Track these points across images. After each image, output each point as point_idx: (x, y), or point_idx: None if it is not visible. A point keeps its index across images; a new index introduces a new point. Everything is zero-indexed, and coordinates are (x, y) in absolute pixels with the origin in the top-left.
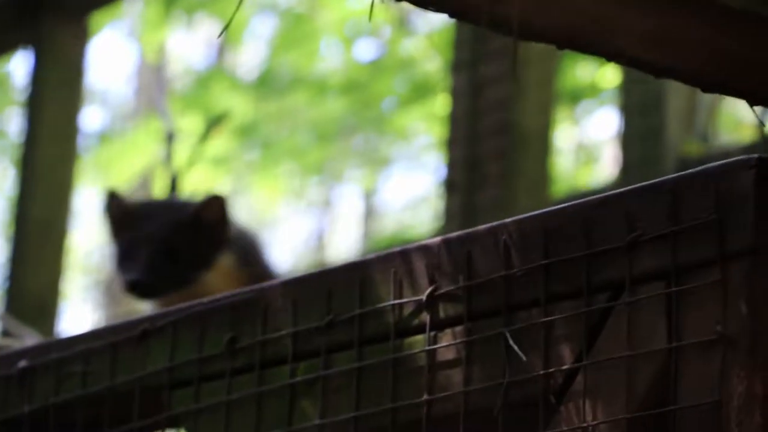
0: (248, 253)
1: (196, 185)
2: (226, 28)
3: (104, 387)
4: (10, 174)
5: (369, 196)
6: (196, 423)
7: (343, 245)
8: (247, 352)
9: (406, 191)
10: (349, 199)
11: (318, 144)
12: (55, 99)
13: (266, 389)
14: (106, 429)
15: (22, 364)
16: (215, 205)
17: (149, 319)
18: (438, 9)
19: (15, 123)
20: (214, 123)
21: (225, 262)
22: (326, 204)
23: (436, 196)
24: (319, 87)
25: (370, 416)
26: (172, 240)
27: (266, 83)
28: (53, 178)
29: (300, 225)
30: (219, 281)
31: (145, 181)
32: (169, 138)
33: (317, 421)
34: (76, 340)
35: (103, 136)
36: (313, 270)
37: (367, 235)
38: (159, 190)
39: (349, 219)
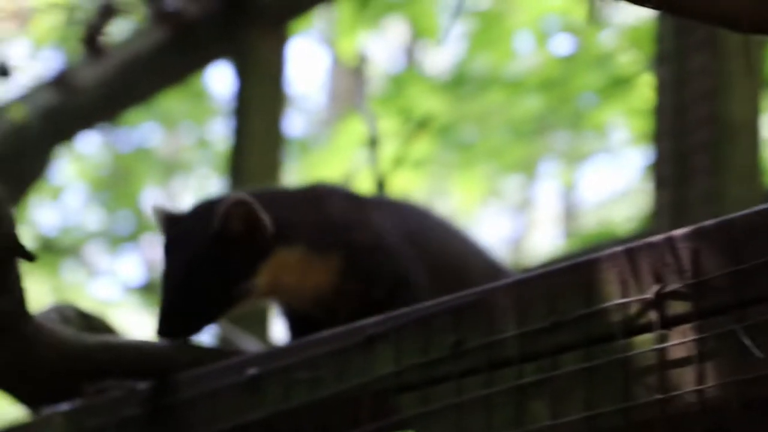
0: (326, 232)
1: (398, 187)
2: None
3: (332, 393)
4: (214, 182)
5: (568, 193)
6: (425, 426)
7: (543, 243)
8: (472, 354)
9: (606, 187)
10: (547, 197)
11: (515, 142)
12: (259, 109)
13: (494, 391)
14: None
15: (251, 371)
16: (237, 214)
17: (374, 324)
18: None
19: (213, 132)
20: (418, 126)
21: (284, 256)
22: (525, 202)
23: (638, 191)
24: (516, 85)
25: (603, 416)
26: (192, 276)
27: (461, 83)
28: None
29: (499, 224)
30: (283, 276)
31: (347, 184)
32: (373, 141)
33: (548, 422)
34: (303, 347)
35: (302, 142)
36: (536, 271)
37: (567, 232)
38: (363, 192)
39: (549, 217)
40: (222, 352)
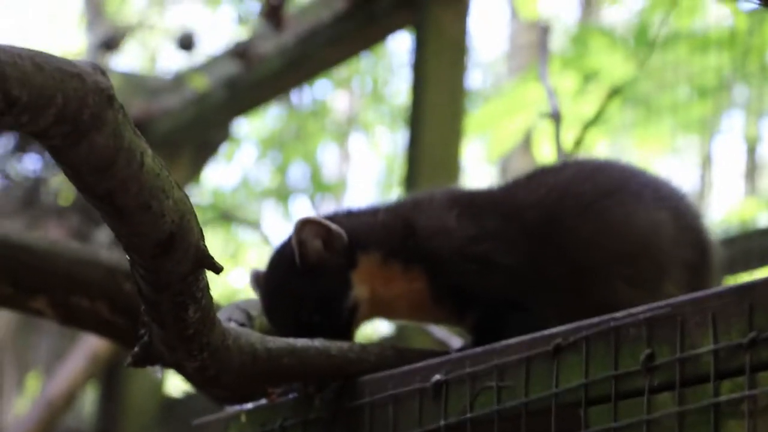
0: (405, 241)
1: (580, 144)
2: None
3: (519, 402)
4: (390, 138)
5: (752, 149)
6: None
7: (727, 201)
8: (665, 368)
9: None
10: (730, 153)
11: (698, 99)
12: (439, 79)
13: (687, 408)
14: None
15: (437, 377)
16: (308, 234)
17: (562, 333)
18: None
19: (391, 89)
20: (613, 93)
21: (367, 262)
22: (707, 160)
23: None
24: (701, 41)
25: None
26: (299, 316)
27: (643, 40)
28: (442, 134)
29: (680, 181)
30: (375, 284)
31: (526, 141)
32: (554, 117)
33: None
34: (490, 354)
35: (482, 94)
36: (732, 284)
37: (751, 189)
38: (540, 148)
39: (731, 173)
40: (406, 356)
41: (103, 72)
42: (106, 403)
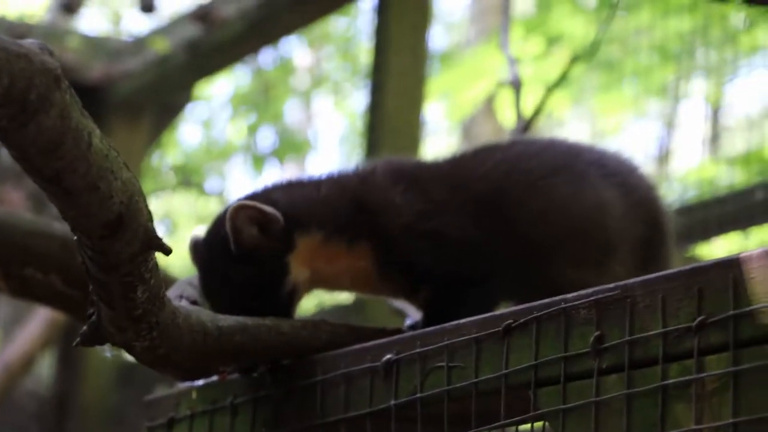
0: (349, 218)
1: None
2: None
3: (470, 383)
4: (356, 96)
5: (715, 113)
6: (563, 422)
7: (689, 163)
8: (614, 350)
9: (755, 106)
10: (694, 117)
11: (661, 63)
12: (402, 40)
13: (636, 391)
14: (473, 426)
15: (388, 356)
16: (242, 220)
17: (513, 314)
18: None
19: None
20: (576, 59)
21: (307, 243)
22: (670, 123)
23: None
24: (663, 5)
25: (750, 424)
26: (236, 299)
27: (606, 3)
28: (403, 99)
29: (643, 144)
30: (317, 263)
31: (489, 103)
32: (515, 85)
33: (693, 426)
34: (441, 334)
35: (445, 56)
36: (681, 267)
37: (714, 153)
38: (502, 113)
39: (695, 137)
40: (359, 334)
41: (51, 52)
42: (64, 367)
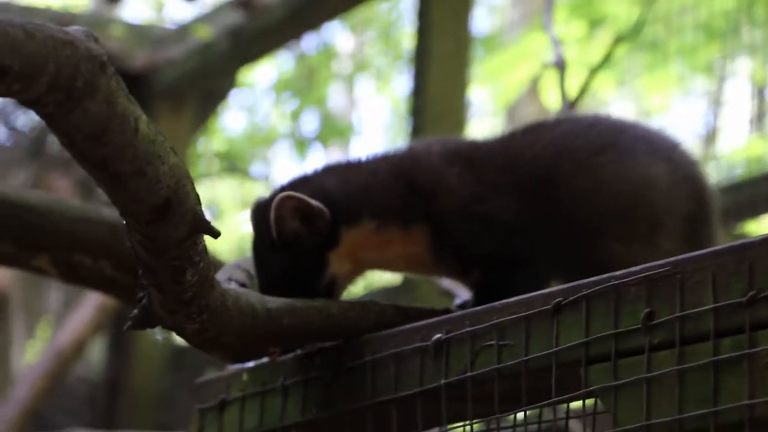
0: (405, 202)
1: (585, 91)
2: None
3: (520, 361)
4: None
5: (760, 91)
6: (614, 399)
7: (735, 142)
8: (665, 327)
9: None
10: (739, 96)
11: (706, 42)
12: (444, 24)
13: (688, 366)
14: (523, 403)
15: (438, 336)
16: (287, 212)
17: (562, 292)
18: None
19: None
20: (620, 40)
21: (354, 236)
22: (716, 102)
23: None
24: None
25: None
26: (277, 285)
27: None
28: (447, 83)
29: (689, 123)
30: (364, 254)
31: (534, 85)
32: (559, 66)
33: (746, 402)
34: (490, 313)
35: (489, 40)
36: (731, 243)
37: (760, 130)
38: (547, 95)
39: (741, 115)
40: (407, 314)
41: (96, 39)
42: (115, 352)
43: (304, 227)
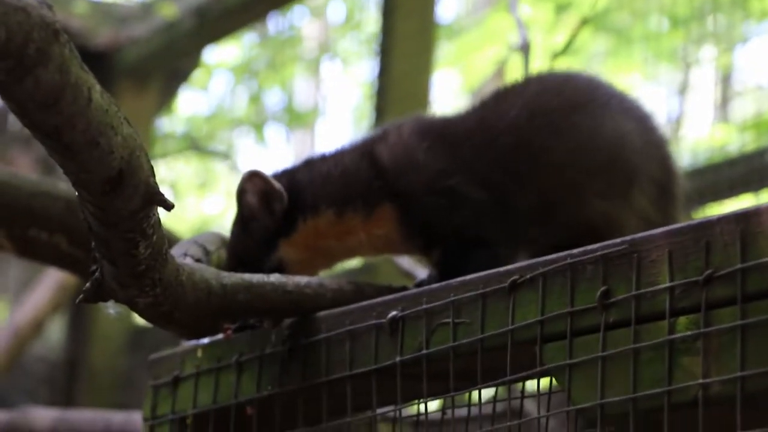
0: (365, 181)
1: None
2: None
3: (475, 339)
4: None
5: (725, 78)
6: (569, 377)
7: (700, 127)
8: (621, 305)
9: (764, 72)
10: (704, 83)
11: (671, 29)
12: (409, 6)
13: (643, 345)
14: (479, 382)
15: (394, 313)
16: (251, 188)
17: (519, 270)
18: None
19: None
20: (583, 23)
21: (310, 227)
22: (681, 89)
23: None
24: None
25: (758, 377)
26: (231, 253)
27: None
28: (411, 64)
29: (654, 108)
30: (320, 242)
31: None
32: (524, 48)
33: (701, 381)
34: (447, 290)
35: (453, 27)
36: (689, 222)
37: (725, 118)
38: (512, 78)
39: (705, 102)
40: (364, 291)
41: (50, 6)
42: (73, 331)
43: (262, 207)
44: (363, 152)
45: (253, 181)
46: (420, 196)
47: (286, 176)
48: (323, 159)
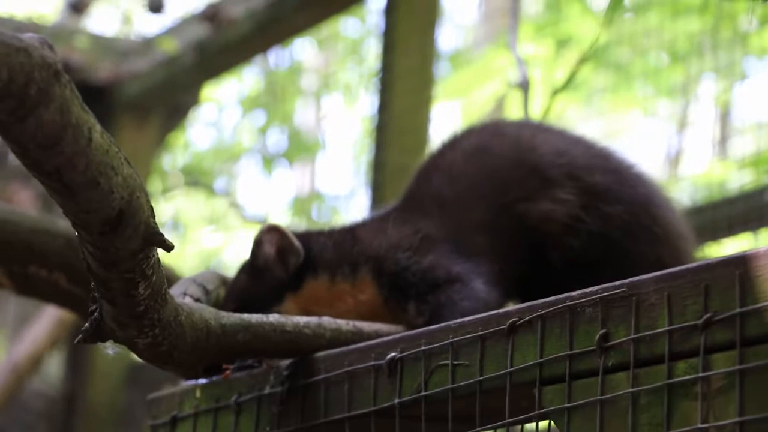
0: (351, 255)
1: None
2: None
3: (474, 381)
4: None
5: (724, 114)
6: (567, 420)
7: (699, 164)
8: (620, 348)
9: (764, 108)
10: (703, 119)
11: (671, 65)
12: (410, 41)
13: (642, 389)
14: (477, 424)
15: (393, 354)
16: (269, 239)
17: (518, 312)
18: None
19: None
20: (583, 59)
21: (312, 288)
22: (680, 124)
23: None
24: (673, 7)
25: (756, 422)
26: (235, 299)
27: (617, 5)
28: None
29: (653, 144)
30: (312, 306)
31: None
32: (524, 86)
33: (699, 425)
34: (445, 332)
35: (455, 57)
36: (688, 265)
37: (724, 154)
38: (512, 114)
39: (704, 138)
40: (363, 332)
41: (51, 46)
42: (72, 366)
43: (278, 260)
44: (352, 229)
45: (272, 234)
46: (387, 254)
47: (301, 235)
48: (333, 232)
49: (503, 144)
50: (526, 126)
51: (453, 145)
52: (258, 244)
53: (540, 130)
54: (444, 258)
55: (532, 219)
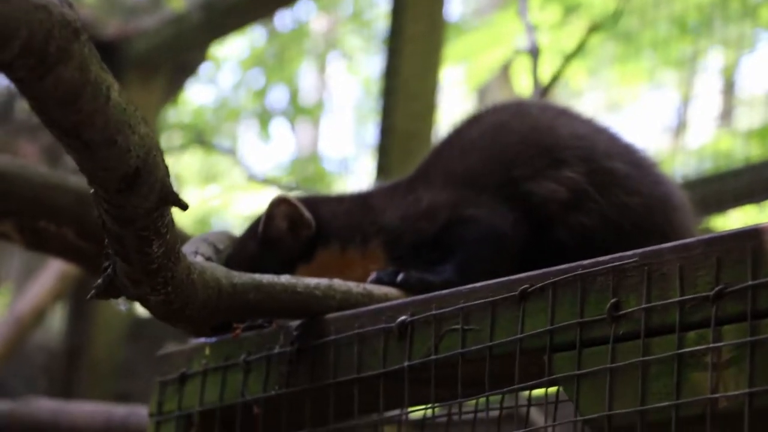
0: (362, 224)
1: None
2: None
3: (484, 346)
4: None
5: (731, 86)
6: (577, 387)
7: (703, 135)
8: (630, 318)
9: None
10: (710, 90)
11: (679, 36)
12: (418, 5)
13: (652, 358)
14: (486, 389)
15: (403, 318)
16: (281, 212)
17: (529, 279)
18: None
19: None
20: (593, 28)
21: (323, 257)
22: (687, 96)
23: None
24: None
25: (766, 394)
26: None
27: None
28: (420, 64)
29: (658, 114)
30: (326, 274)
31: (506, 70)
32: (533, 53)
33: (709, 396)
34: (456, 296)
35: (461, 26)
36: (700, 237)
37: (729, 125)
38: (518, 80)
39: (711, 110)
40: (372, 295)
41: (70, 4)
42: (75, 321)
43: (290, 232)
44: (364, 197)
45: (283, 206)
46: (402, 225)
47: (312, 205)
48: (343, 199)
49: (523, 122)
50: (551, 109)
51: (473, 120)
52: (270, 217)
53: (565, 114)
54: (457, 224)
55: (536, 196)
